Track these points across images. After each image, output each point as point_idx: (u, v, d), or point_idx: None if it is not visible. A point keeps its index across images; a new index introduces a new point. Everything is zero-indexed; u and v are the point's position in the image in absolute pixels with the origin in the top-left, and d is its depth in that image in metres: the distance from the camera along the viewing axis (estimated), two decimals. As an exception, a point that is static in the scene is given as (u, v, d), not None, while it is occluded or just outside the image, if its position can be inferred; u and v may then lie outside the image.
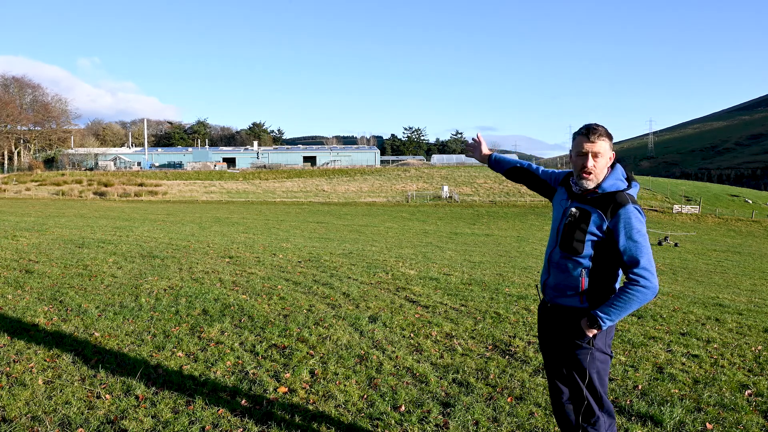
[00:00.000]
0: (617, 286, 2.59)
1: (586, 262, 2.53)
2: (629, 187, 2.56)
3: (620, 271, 2.59)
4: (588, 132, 2.54)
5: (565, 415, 2.73)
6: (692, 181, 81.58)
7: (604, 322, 2.45)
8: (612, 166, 2.60)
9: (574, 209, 2.58)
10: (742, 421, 3.64)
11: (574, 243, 2.53)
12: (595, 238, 2.50)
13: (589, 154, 2.53)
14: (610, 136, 2.56)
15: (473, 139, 3.33)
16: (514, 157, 3.29)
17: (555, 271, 2.65)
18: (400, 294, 7.33)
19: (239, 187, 63.70)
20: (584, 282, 2.54)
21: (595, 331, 2.50)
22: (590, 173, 2.54)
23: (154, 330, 5.23)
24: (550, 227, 2.82)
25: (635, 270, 2.40)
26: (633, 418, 3.66)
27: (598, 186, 2.55)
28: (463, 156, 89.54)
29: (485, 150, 3.29)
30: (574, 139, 2.61)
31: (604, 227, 2.47)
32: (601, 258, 2.52)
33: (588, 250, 2.51)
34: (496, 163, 3.23)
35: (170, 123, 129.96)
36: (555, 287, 2.65)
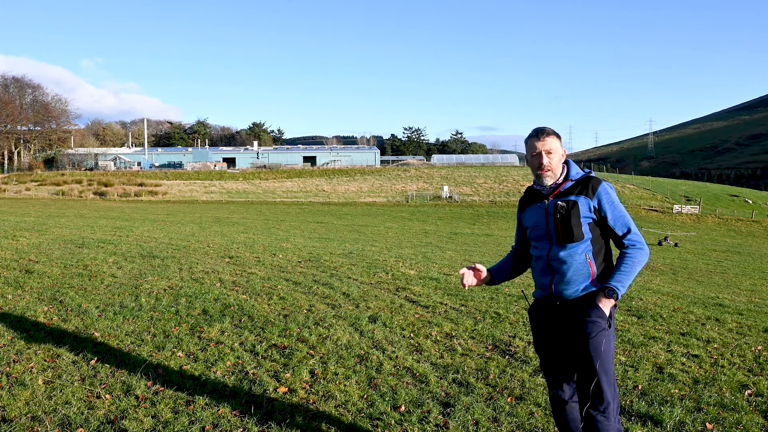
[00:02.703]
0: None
1: (588, 246, 2.67)
2: (590, 172, 2.80)
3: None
4: (537, 133, 2.73)
5: (567, 423, 2.74)
6: (692, 181, 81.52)
7: (619, 289, 2.59)
8: (566, 163, 2.80)
9: (560, 202, 2.68)
10: (742, 421, 3.64)
11: (574, 230, 2.65)
12: (589, 220, 2.67)
13: (543, 153, 2.71)
14: (558, 135, 2.76)
15: (470, 271, 2.87)
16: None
17: (560, 267, 2.68)
18: (400, 294, 7.33)
19: (239, 187, 63.71)
20: (592, 264, 2.67)
21: (613, 302, 2.62)
22: (548, 169, 2.71)
23: (154, 330, 5.23)
24: None
25: (629, 236, 2.66)
26: (633, 418, 3.66)
27: (566, 178, 2.74)
28: (463, 156, 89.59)
29: (484, 274, 2.89)
30: (526, 144, 2.79)
31: (592, 207, 2.66)
32: (598, 238, 2.70)
33: (587, 233, 2.67)
34: (500, 271, 2.99)
35: (170, 123, 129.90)
36: (565, 282, 2.67)
